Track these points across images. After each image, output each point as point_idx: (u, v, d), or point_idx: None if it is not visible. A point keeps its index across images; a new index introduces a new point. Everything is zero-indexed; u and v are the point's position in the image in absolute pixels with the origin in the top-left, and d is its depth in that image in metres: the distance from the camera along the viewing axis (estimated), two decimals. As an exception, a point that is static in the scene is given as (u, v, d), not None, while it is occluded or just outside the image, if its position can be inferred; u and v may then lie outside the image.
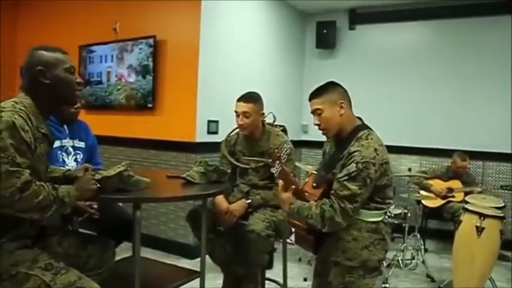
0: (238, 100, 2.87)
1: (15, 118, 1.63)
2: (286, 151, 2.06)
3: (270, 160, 2.08)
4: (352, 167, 1.98)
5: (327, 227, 2.01)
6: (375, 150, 2.01)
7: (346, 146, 2.09)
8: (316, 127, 2.19)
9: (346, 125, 2.14)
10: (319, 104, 2.13)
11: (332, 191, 2.03)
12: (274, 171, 2.07)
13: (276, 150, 2.07)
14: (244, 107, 2.82)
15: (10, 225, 1.71)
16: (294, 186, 2.12)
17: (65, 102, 1.95)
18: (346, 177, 1.98)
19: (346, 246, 2.06)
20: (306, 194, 2.16)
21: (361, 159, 1.97)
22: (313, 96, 2.17)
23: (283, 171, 2.08)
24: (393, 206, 4.17)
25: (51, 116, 2.58)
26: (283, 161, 2.05)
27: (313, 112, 2.16)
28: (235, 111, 2.86)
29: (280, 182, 2.14)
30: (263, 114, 2.91)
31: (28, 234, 1.79)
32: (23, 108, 1.71)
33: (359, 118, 2.22)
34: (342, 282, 2.07)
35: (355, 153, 2.00)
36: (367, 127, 2.16)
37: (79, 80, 1.91)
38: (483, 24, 5.18)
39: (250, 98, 2.86)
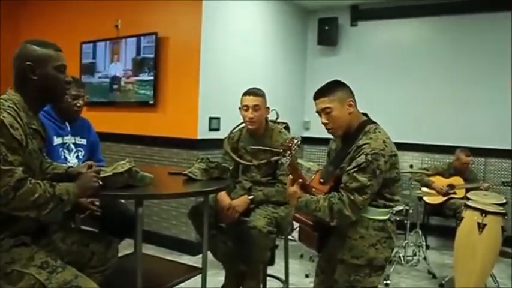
0: (247, 94, 2.87)
1: (3, 116, 1.61)
2: (297, 142, 2.05)
3: (281, 150, 2.07)
4: (361, 159, 1.96)
5: (336, 220, 1.99)
6: (384, 142, 2.01)
7: (353, 140, 2.07)
8: (324, 127, 2.16)
9: (353, 123, 2.13)
10: (328, 103, 2.09)
11: (341, 184, 2.02)
12: (284, 162, 2.04)
13: (287, 141, 2.05)
14: (254, 100, 2.82)
15: (8, 221, 1.70)
16: (301, 180, 2.11)
17: (52, 100, 1.93)
18: (355, 169, 1.97)
19: (353, 244, 2.05)
20: (314, 189, 2.14)
21: (371, 150, 1.96)
22: (321, 95, 2.12)
23: (292, 163, 2.06)
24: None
25: (50, 110, 2.61)
26: (294, 152, 2.04)
27: (321, 111, 2.12)
28: (245, 106, 2.84)
29: (289, 176, 2.13)
30: (268, 109, 2.93)
31: (27, 230, 1.77)
32: (11, 105, 1.68)
33: (364, 114, 2.21)
34: (347, 280, 2.06)
35: (365, 146, 1.99)
36: (373, 122, 2.16)
37: (68, 79, 1.88)
38: (485, 20, 5.16)
39: (259, 91, 2.89)
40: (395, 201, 2.12)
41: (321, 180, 2.19)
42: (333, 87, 2.14)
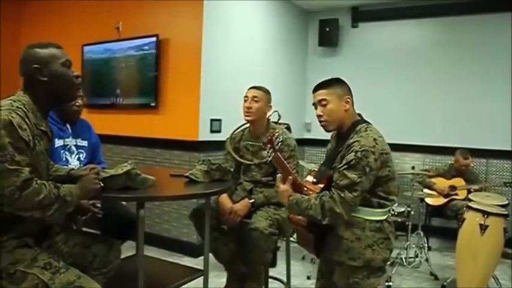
0: (251, 88, 2.97)
1: (12, 117, 1.62)
2: (279, 136, 2.03)
3: (262, 144, 2.05)
4: (351, 156, 1.97)
5: (327, 219, 1.97)
6: (374, 140, 2.01)
7: (346, 140, 2.09)
8: (317, 119, 2.18)
9: (347, 121, 2.15)
10: (326, 95, 2.12)
11: (333, 183, 2.02)
12: (265, 156, 2.02)
13: (267, 134, 2.03)
14: (255, 92, 2.92)
15: (13, 223, 1.70)
16: (291, 177, 2.07)
17: (65, 97, 1.93)
18: (345, 166, 1.98)
19: (350, 245, 2.04)
20: (306, 189, 2.13)
21: (360, 148, 1.97)
22: (320, 87, 2.16)
23: (277, 158, 2.03)
24: (396, 204, 4.16)
25: (51, 112, 2.61)
26: (277, 146, 2.01)
27: (318, 103, 2.15)
28: (245, 96, 2.93)
29: (279, 175, 2.10)
30: (270, 107, 2.96)
31: (31, 232, 1.78)
32: (20, 106, 1.70)
33: (358, 114, 2.22)
34: (346, 283, 2.06)
35: (354, 143, 2.01)
36: (366, 121, 2.17)
37: (76, 73, 1.90)
38: (485, 21, 5.16)
39: (262, 88, 2.98)
40: (390, 200, 2.11)
41: (314, 180, 2.19)
42: (333, 82, 2.18)
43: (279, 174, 2.12)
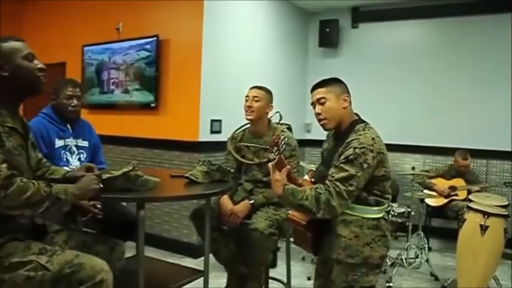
0: (252, 88, 2.98)
1: None
2: (284, 139, 2.03)
3: (269, 146, 2.06)
4: (349, 152, 1.98)
5: (322, 212, 1.95)
6: (373, 139, 2.03)
7: (344, 139, 2.09)
8: (316, 118, 2.18)
9: (346, 120, 2.16)
10: (324, 93, 2.13)
11: (328, 177, 2.01)
12: (271, 157, 2.00)
13: (273, 137, 2.04)
14: (255, 92, 2.94)
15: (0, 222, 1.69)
16: (287, 167, 2.04)
17: (30, 91, 1.85)
18: (343, 161, 1.98)
19: (348, 243, 2.05)
20: (299, 182, 2.13)
21: (359, 145, 1.99)
22: (318, 86, 2.17)
23: (281, 160, 2.01)
24: (396, 205, 4.16)
25: (51, 113, 2.61)
26: (281, 149, 2.01)
27: (316, 101, 2.15)
28: (246, 96, 2.95)
29: (270, 164, 2.04)
30: (271, 107, 2.97)
31: (21, 229, 1.76)
32: None
33: (356, 114, 2.22)
34: (345, 280, 2.07)
35: (353, 141, 2.02)
36: (363, 121, 2.18)
37: (40, 65, 1.83)
38: (485, 22, 5.16)
39: (263, 87, 3.00)
40: (385, 198, 2.13)
41: (312, 180, 2.19)
42: (331, 81, 2.19)
43: (270, 164, 2.04)
